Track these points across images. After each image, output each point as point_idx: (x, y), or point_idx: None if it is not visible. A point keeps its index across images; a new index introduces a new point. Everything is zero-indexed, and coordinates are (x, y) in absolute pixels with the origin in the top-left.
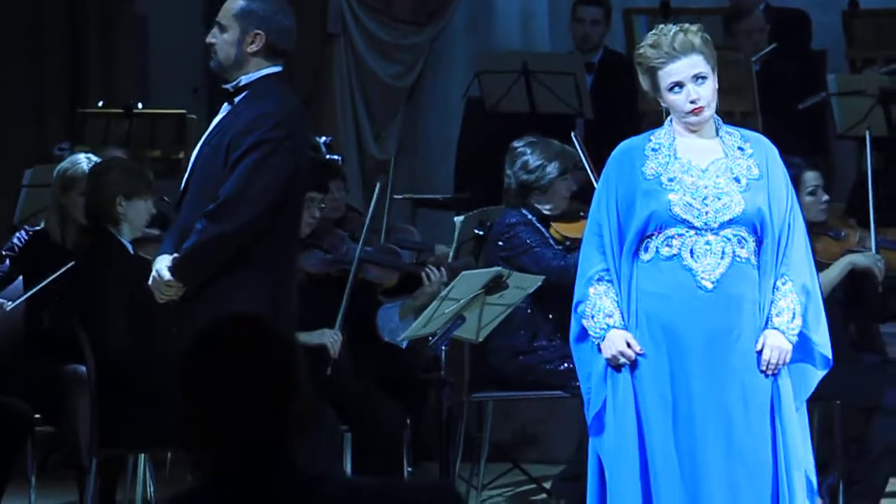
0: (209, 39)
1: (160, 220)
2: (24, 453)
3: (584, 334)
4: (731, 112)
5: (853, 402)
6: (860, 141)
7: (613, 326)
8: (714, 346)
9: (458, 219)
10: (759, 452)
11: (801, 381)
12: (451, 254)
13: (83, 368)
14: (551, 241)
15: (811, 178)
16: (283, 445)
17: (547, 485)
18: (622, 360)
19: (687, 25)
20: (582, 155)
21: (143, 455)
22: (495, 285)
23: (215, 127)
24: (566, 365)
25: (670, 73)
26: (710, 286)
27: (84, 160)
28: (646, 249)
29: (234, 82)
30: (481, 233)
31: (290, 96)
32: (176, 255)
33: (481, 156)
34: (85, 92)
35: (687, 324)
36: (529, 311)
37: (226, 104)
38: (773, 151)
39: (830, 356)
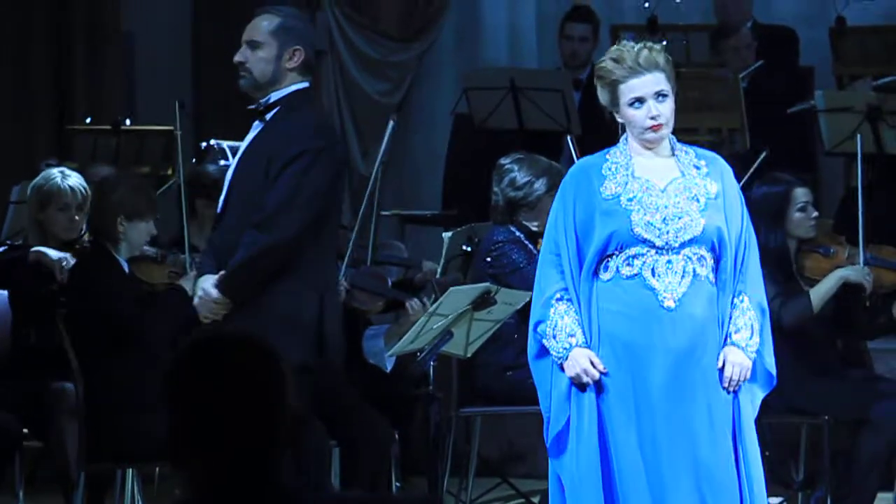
0: (238, 59)
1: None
2: (12, 467)
3: (542, 352)
4: (718, 129)
5: (841, 417)
6: (848, 157)
7: (576, 345)
8: (678, 365)
9: (447, 235)
10: (726, 469)
11: (749, 400)
12: (439, 270)
13: (69, 385)
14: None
15: (801, 194)
16: (270, 460)
17: (535, 499)
18: (586, 378)
19: (650, 43)
20: (575, 157)
21: (130, 469)
22: (483, 301)
23: (249, 145)
24: None
25: (632, 87)
26: (672, 305)
27: (58, 175)
28: (605, 269)
29: (265, 99)
30: (469, 249)
31: (322, 109)
32: (222, 272)
33: (469, 172)
34: (72, 108)
35: (650, 343)
36: (517, 326)
37: (256, 122)
38: (728, 170)
39: (775, 374)
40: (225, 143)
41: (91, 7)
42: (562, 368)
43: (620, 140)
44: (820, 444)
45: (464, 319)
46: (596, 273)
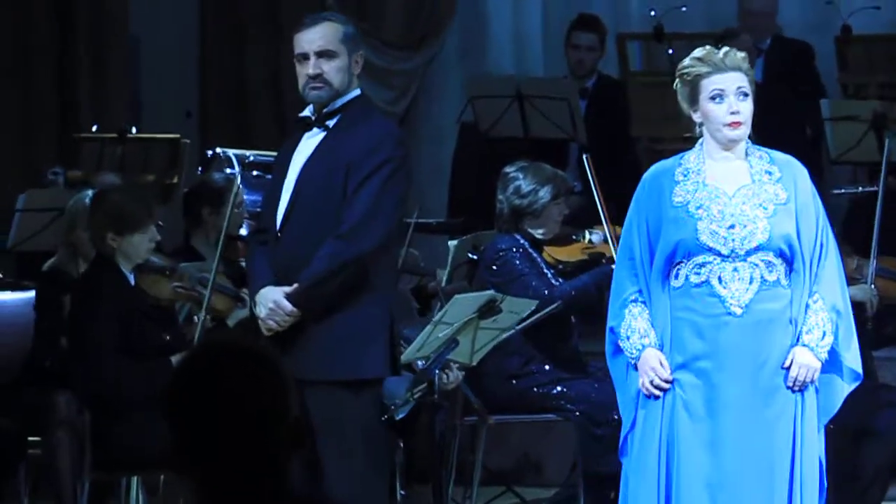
0: (314, 71)
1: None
2: (17, 476)
3: (617, 351)
4: None
5: (844, 427)
6: (854, 166)
7: (649, 346)
8: (745, 372)
9: (452, 243)
10: (781, 470)
11: (828, 394)
12: (444, 278)
13: (64, 396)
14: (543, 266)
15: None
16: (275, 468)
17: None
18: (653, 378)
19: (735, 49)
20: (590, 176)
21: (136, 478)
22: (489, 309)
23: (315, 153)
24: (559, 389)
25: (715, 81)
26: (739, 311)
27: (88, 195)
28: (676, 277)
29: (329, 107)
30: (475, 257)
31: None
32: (296, 284)
33: (475, 180)
34: (77, 116)
35: (717, 350)
36: (522, 335)
37: (315, 129)
38: (803, 173)
39: (861, 372)
40: (231, 152)
41: (96, 14)
42: (636, 368)
43: (697, 143)
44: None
45: (469, 327)
46: (667, 279)
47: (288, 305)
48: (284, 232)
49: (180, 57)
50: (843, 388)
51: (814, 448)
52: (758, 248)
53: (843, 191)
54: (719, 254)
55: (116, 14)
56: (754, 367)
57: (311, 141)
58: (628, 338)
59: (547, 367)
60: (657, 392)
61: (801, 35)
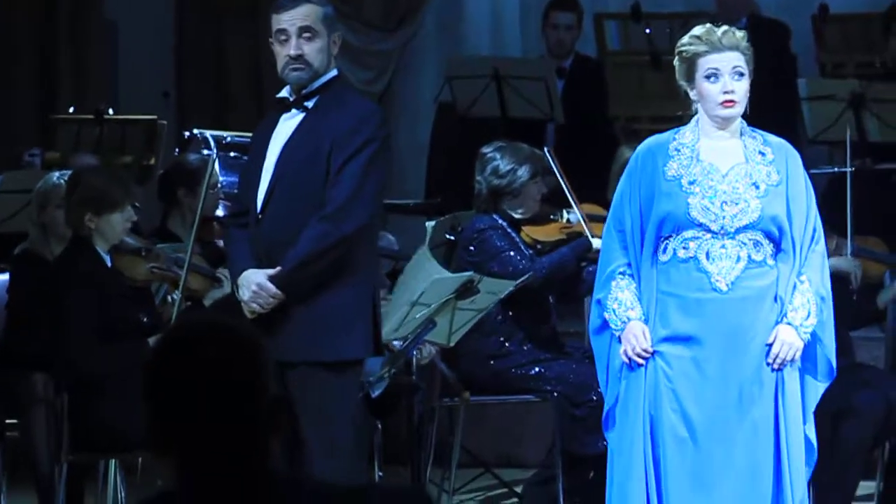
0: (294, 52)
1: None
2: None
3: (603, 326)
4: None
5: (823, 406)
6: (831, 145)
7: (634, 319)
8: (728, 348)
9: (430, 224)
10: (764, 446)
11: (813, 379)
12: None
13: (41, 377)
14: (521, 246)
15: None
16: (254, 448)
17: (518, 489)
18: (638, 349)
19: (734, 28)
20: (555, 167)
21: (113, 461)
22: (466, 290)
23: (295, 135)
24: (537, 369)
25: (711, 60)
26: (724, 288)
27: (56, 175)
28: (664, 251)
29: (307, 88)
30: (453, 238)
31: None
32: (279, 267)
33: (453, 161)
34: (55, 97)
35: (701, 325)
36: (500, 315)
37: (294, 111)
38: (795, 157)
39: (835, 365)
40: (208, 133)
41: None
42: (619, 341)
43: (692, 120)
44: None
45: (447, 308)
46: (655, 254)
47: (272, 288)
48: (265, 214)
49: (157, 37)
50: (818, 387)
51: (798, 425)
52: (747, 227)
53: (820, 171)
54: (709, 230)
55: None
56: (739, 343)
57: (289, 122)
58: (614, 310)
59: (525, 348)
60: (639, 360)
61: (779, 14)
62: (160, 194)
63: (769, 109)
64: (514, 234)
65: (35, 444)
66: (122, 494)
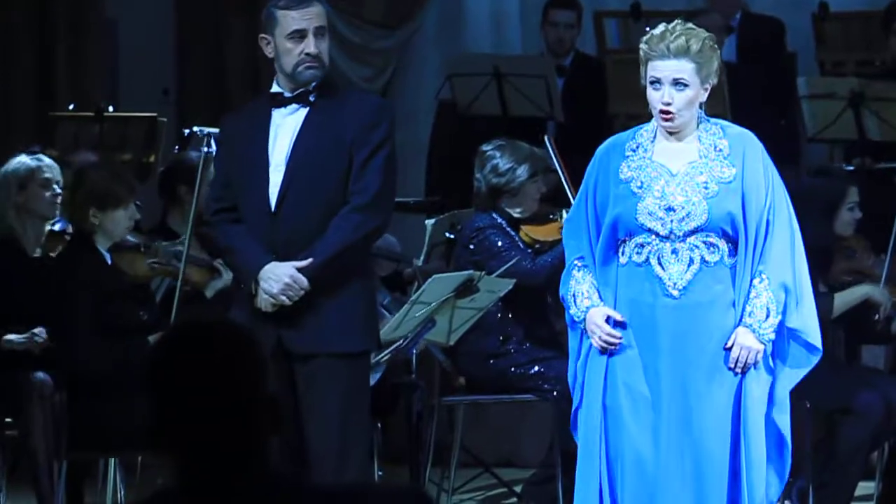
0: (313, 50)
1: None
2: None
3: (572, 322)
4: None
5: (823, 405)
6: (830, 144)
7: (592, 306)
8: (680, 352)
9: (429, 222)
10: (718, 449)
11: (784, 367)
12: (421, 258)
13: (42, 374)
14: (521, 245)
15: (854, 192)
16: (253, 446)
17: (517, 489)
18: (603, 336)
19: (697, 30)
20: (554, 158)
21: (113, 459)
22: (466, 289)
23: (305, 130)
24: (536, 368)
25: (654, 68)
26: (676, 294)
27: (26, 157)
28: (623, 254)
29: (311, 83)
30: (452, 236)
31: None
32: (310, 259)
33: (453, 159)
34: (54, 95)
35: (655, 331)
36: (500, 314)
37: (293, 106)
38: (754, 148)
39: (818, 344)
40: (208, 130)
41: None
42: (586, 333)
43: (652, 119)
44: (802, 433)
45: (446, 307)
46: (616, 255)
47: (304, 280)
48: (282, 210)
49: (157, 35)
50: (799, 358)
51: (759, 431)
52: (696, 230)
53: None
54: (658, 234)
55: None
56: (693, 350)
57: (291, 118)
58: (574, 301)
59: (524, 347)
60: (610, 347)
61: (779, 12)
62: (160, 191)
63: (764, 106)
64: (513, 233)
65: (34, 442)
66: (122, 493)
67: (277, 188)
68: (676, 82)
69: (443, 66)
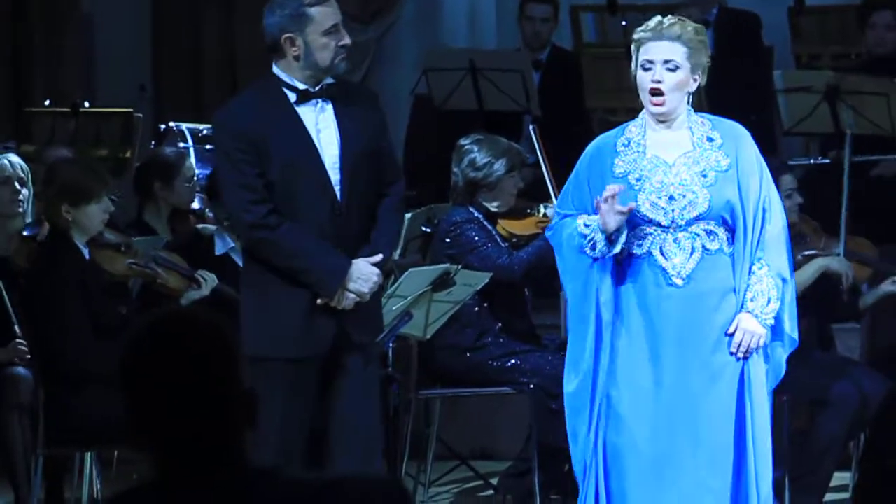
0: (348, 41)
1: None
2: None
3: (576, 305)
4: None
5: (800, 397)
6: (806, 137)
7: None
8: (685, 340)
9: (406, 216)
10: (722, 436)
11: (774, 363)
12: (398, 251)
13: (21, 370)
14: (498, 239)
15: (788, 181)
16: (230, 440)
17: (494, 481)
18: (609, 200)
19: (687, 21)
20: (537, 147)
21: (89, 453)
22: (443, 282)
23: (343, 124)
24: (513, 361)
25: (647, 50)
26: (680, 283)
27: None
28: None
29: (325, 80)
30: (429, 230)
31: None
32: (380, 255)
33: (429, 153)
34: (30, 90)
35: (660, 320)
36: (477, 308)
37: (321, 102)
38: (744, 139)
39: (797, 339)
40: (184, 125)
41: None
42: (603, 247)
43: (639, 114)
44: (779, 423)
45: (423, 300)
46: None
47: (381, 275)
48: (346, 208)
49: (134, 31)
50: (783, 355)
51: (765, 418)
52: (698, 218)
53: (795, 162)
54: (660, 224)
55: None
56: (698, 339)
57: (320, 114)
58: (578, 230)
59: (501, 340)
60: (622, 211)
61: (755, 6)
62: (136, 187)
63: (741, 99)
64: (490, 227)
65: (10, 437)
66: (98, 487)
67: (339, 186)
68: (668, 64)
69: (419, 61)
